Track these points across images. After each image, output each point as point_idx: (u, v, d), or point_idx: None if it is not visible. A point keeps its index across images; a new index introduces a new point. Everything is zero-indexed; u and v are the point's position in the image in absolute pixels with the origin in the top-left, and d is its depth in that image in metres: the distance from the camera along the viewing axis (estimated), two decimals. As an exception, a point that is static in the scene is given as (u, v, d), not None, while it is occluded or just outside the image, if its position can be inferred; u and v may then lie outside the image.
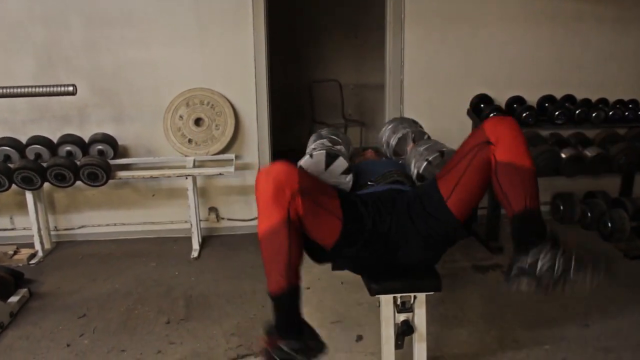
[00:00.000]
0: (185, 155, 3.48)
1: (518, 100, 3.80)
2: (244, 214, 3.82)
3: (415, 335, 2.10)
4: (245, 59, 3.54)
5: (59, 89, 2.53)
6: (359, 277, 3.12)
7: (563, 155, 3.55)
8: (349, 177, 2.06)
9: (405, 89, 3.74)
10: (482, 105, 3.75)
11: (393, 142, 2.48)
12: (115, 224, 3.70)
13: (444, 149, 2.14)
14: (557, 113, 3.67)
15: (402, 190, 2.07)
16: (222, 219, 3.81)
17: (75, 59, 3.40)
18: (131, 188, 3.66)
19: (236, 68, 3.55)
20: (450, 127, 3.74)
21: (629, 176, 4.01)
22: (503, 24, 3.74)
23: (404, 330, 2.07)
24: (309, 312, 2.79)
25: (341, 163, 2.03)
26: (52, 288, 3.01)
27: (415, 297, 2.08)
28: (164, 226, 3.74)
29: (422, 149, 2.21)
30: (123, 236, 3.70)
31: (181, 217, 3.73)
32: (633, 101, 3.92)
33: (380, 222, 1.91)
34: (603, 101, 3.89)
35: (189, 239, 3.64)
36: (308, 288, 2.99)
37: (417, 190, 2.04)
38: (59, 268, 3.27)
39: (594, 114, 3.72)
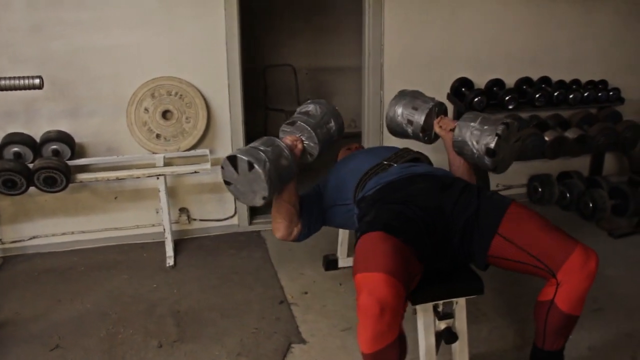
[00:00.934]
0: (154, 153, 3.12)
1: (497, 83, 3.71)
2: (218, 213, 3.51)
3: (458, 342, 1.93)
4: (216, 43, 3.20)
5: (21, 82, 2.10)
6: (357, 276, 2.92)
7: (546, 138, 3.51)
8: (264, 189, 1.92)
9: (385, 72, 3.55)
10: (463, 89, 3.64)
11: (419, 117, 2.35)
12: (72, 233, 3.27)
13: (507, 121, 2.14)
14: (537, 95, 3.63)
15: (435, 174, 2.04)
16: (194, 220, 3.47)
17: (19, 46, 2.92)
18: (90, 191, 3.25)
19: (206, 54, 3.21)
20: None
21: (601, 155, 4.05)
22: (482, 5, 3.63)
23: (448, 339, 1.89)
24: (314, 320, 2.58)
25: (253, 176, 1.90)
26: (10, 314, 2.59)
27: (456, 302, 1.91)
28: (129, 232, 3.36)
29: (475, 124, 2.17)
30: (83, 245, 3.29)
31: (148, 221, 3.36)
32: (603, 81, 3.95)
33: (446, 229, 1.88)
34: (576, 82, 3.89)
35: (159, 244, 3.29)
36: (306, 293, 2.76)
37: (482, 201, 1.91)
38: (12, 289, 2.83)
39: (570, 96, 3.71)
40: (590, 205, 3.61)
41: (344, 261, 3.00)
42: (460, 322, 1.93)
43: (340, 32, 6.27)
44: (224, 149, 3.38)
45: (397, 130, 2.47)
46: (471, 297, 1.91)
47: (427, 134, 2.40)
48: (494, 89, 3.69)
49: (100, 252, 3.24)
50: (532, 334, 2.35)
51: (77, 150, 3.04)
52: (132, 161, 3.12)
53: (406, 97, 2.44)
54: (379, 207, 1.90)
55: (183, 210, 3.42)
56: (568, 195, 3.79)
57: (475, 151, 2.16)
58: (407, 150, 2.30)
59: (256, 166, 1.87)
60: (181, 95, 3.12)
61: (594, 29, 3.94)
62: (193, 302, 2.66)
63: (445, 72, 3.64)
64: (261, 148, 1.96)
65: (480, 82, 3.71)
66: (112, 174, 2.93)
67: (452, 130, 2.27)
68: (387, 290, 1.52)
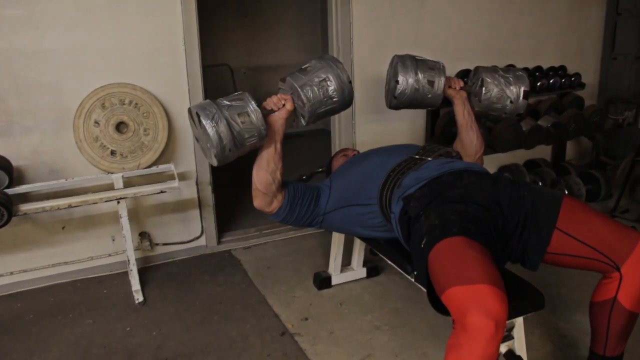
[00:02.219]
0: (110, 172, 2.67)
1: (467, 73, 3.57)
2: (183, 234, 3.11)
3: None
4: (173, 42, 2.80)
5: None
6: (356, 293, 2.66)
7: (523, 128, 3.43)
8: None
9: (356, 67, 3.30)
10: (434, 82, 3.47)
11: (440, 76, 2.27)
12: (11, 273, 2.75)
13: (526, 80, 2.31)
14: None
15: (475, 169, 1.92)
16: (157, 244, 3.05)
17: None
18: (31, 222, 2.74)
19: (162, 55, 2.80)
20: None
21: (563, 142, 4.05)
22: (448, -7, 3.48)
23: (512, 364, 1.68)
24: (327, 352, 2.23)
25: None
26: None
27: (515, 322, 1.71)
28: (81, 265, 2.88)
29: (498, 73, 2.32)
30: (26, 287, 2.77)
31: (103, 250, 2.91)
32: (562, 67, 3.94)
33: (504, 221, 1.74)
34: (539, 69, 3.85)
35: (119, 276, 2.86)
36: (306, 319, 2.46)
37: (535, 194, 1.77)
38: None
39: (538, 83, 3.65)
40: (566, 192, 3.57)
41: (338, 277, 2.73)
42: (520, 343, 1.73)
43: (279, 29, 5.99)
44: (188, 163, 2.99)
45: (414, 98, 2.28)
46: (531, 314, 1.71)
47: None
48: (464, 79, 3.54)
49: (49, 292, 2.75)
50: (559, 337, 2.21)
51: (14, 175, 2.53)
52: (83, 184, 2.66)
53: (408, 60, 2.27)
54: (440, 207, 1.68)
55: (143, 234, 2.99)
56: (540, 183, 3.74)
57: (510, 98, 2.27)
58: (433, 144, 2.11)
59: (202, 119, 1.77)
60: (136, 103, 2.70)
61: (550, 16, 3.91)
62: (179, 346, 2.27)
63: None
64: (223, 102, 1.84)
65: (450, 72, 3.54)
66: (64, 202, 2.46)
67: (463, 88, 2.36)
68: (499, 304, 1.32)
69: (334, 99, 1.99)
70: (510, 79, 2.31)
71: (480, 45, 3.67)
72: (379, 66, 3.33)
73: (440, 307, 1.54)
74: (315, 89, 1.94)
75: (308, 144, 5.78)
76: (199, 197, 3.08)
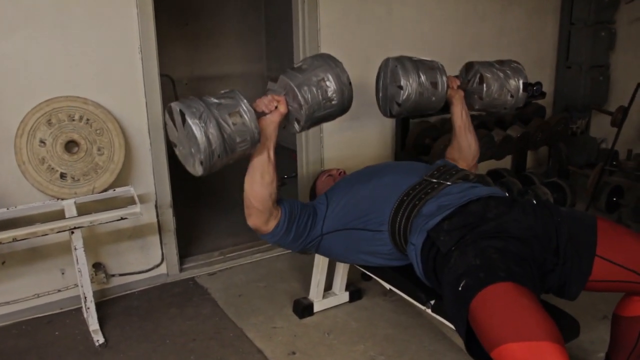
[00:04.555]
0: (60, 198, 2.34)
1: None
2: (141, 263, 2.80)
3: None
4: (128, 51, 2.52)
5: None
6: (342, 321, 2.47)
7: (495, 139, 3.37)
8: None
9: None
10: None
11: (441, 76, 2.11)
12: (-59, 319, 2.36)
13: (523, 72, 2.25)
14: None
15: (499, 195, 1.79)
16: (113, 276, 2.73)
17: None
18: (-36, 259, 2.36)
19: (116, 65, 2.50)
20: (370, 113, 3.30)
21: (524, 152, 4.04)
22: (416, 1, 3.39)
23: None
24: None
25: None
26: None
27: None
28: (26, 304, 2.52)
29: (495, 66, 2.24)
30: (-41, 334, 2.39)
31: (51, 286, 2.57)
32: (523, 76, 3.94)
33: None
34: (501, 78, 3.83)
35: (71, 314, 2.54)
36: (294, 353, 2.24)
37: (569, 224, 1.64)
38: None
39: (503, 93, 3.61)
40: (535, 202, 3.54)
41: (320, 304, 2.53)
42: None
43: (221, 38, 5.75)
44: (147, 184, 2.70)
45: (419, 103, 2.10)
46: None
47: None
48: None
49: (-11, 340, 2.38)
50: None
51: (-57, 206, 2.16)
52: (29, 212, 2.32)
53: (407, 62, 2.10)
54: (476, 243, 1.52)
55: (98, 265, 2.66)
56: (507, 194, 3.70)
57: (510, 91, 2.17)
58: (447, 164, 1.95)
59: (187, 118, 1.51)
60: (88, 119, 2.39)
61: (510, 24, 3.91)
62: (154, 395, 2.00)
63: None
64: (211, 100, 1.59)
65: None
66: (7, 235, 2.11)
67: (460, 86, 2.22)
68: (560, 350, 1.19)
69: (333, 102, 1.79)
70: (508, 72, 2.21)
71: (447, 53, 3.56)
72: (348, 72, 3.19)
73: (479, 355, 1.37)
74: (314, 89, 1.74)
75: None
76: (158, 221, 2.78)
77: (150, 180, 2.70)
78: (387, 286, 2.10)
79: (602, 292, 1.71)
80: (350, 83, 1.82)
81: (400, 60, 2.10)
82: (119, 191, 2.47)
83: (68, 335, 2.39)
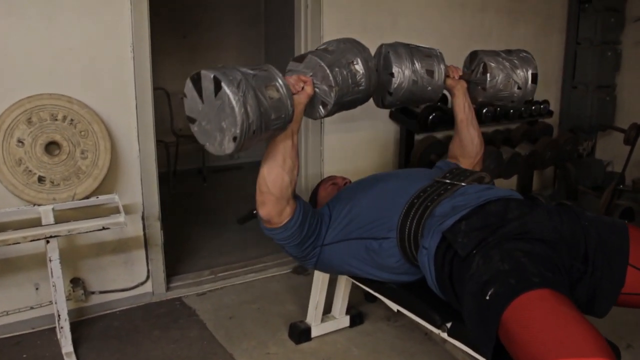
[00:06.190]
0: (36, 204, 2.13)
1: (442, 97, 3.34)
2: (124, 280, 2.57)
3: None
4: (119, 48, 2.34)
5: None
6: (343, 348, 2.25)
7: (504, 156, 3.22)
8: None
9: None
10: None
11: (439, 64, 1.96)
12: None
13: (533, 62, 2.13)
14: (484, 110, 3.32)
15: (517, 197, 1.62)
16: (92, 293, 2.49)
17: None
18: None
19: (106, 63, 2.32)
20: (375, 127, 3.22)
21: (531, 171, 3.90)
22: (421, 12, 3.28)
23: None
24: None
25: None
26: None
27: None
28: (-6, 323, 2.28)
29: (501, 56, 2.09)
30: None
31: (23, 302, 2.33)
32: (529, 95, 3.82)
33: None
34: (508, 96, 3.70)
35: (44, 334, 2.32)
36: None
37: (598, 229, 1.47)
38: None
39: (511, 110, 3.49)
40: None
41: (319, 328, 2.32)
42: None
43: (220, 52, 5.62)
44: (134, 194, 2.49)
45: (413, 92, 1.93)
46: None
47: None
48: (439, 103, 3.31)
49: (-51, 362, 2.13)
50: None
51: None
52: (0, 218, 2.10)
53: (401, 48, 1.93)
54: (501, 245, 1.35)
55: (76, 281, 2.43)
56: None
57: (517, 83, 2.04)
58: (461, 168, 1.78)
59: (224, 85, 1.32)
60: (72, 119, 2.19)
61: (516, 42, 3.80)
62: None
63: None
64: (242, 69, 1.40)
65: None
66: (-26, 243, 1.90)
67: (462, 77, 2.08)
68: None
69: (360, 87, 1.68)
70: (516, 61, 2.07)
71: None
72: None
73: None
74: (344, 71, 1.62)
75: (249, 177, 5.36)
76: (145, 234, 2.57)
77: (138, 189, 2.50)
78: (395, 307, 1.90)
79: (634, 308, 1.53)
80: (377, 70, 1.74)
81: (394, 46, 1.93)
82: (103, 199, 2.26)
83: (37, 358, 2.15)
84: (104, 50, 2.30)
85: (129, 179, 2.47)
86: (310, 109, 1.69)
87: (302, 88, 1.60)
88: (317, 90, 1.63)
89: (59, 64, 2.22)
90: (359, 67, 1.66)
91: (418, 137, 3.18)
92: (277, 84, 1.45)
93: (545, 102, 3.71)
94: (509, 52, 2.13)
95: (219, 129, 1.39)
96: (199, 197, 4.53)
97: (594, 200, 3.53)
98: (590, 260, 1.43)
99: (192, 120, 1.46)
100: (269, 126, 1.43)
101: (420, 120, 3.01)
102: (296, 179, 1.65)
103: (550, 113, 3.76)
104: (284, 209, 1.64)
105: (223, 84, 1.34)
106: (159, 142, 4.72)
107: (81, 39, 2.25)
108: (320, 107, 1.66)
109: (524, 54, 2.12)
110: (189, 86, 1.44)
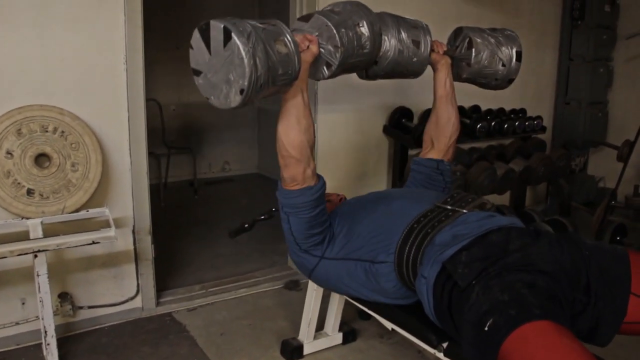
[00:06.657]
0: (25, 217, 2.09)
1: (435, 112, 3.35)
2: (114, 295, 2.52)
3: None
4: (112, 59, 2.31)
5: None
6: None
7: (497, 172, 3.21)
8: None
9: (319, 102, 2.94)
10: (403, 120, 3.20)
11: (426, 35, 1.93)
12: None
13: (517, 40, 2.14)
14: (478, 126, 3.32)
15: (519, 225, 1.59)
16: (81, 308, 2.44)
17: None
18: None
19: (98, 74, 2.29)
20: (368, 142, 3.21)
21: (524, 187, 3.90)
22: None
23: None
24: None
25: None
26: None
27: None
28: (-22, 338, 2.22)
29: (487, 32, 2.09)
30: None
31: (8, 317, 2.28)
32: (522, 110, 3.83)
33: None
34: (502, 111, 3.71)
35: (29, 350, 2.26)
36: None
37: (598, 258, 1.46)
38: None
39: (505, 126, 3.49)
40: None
41: (311, 346, 2.28)
42: None
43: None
44: (124, 207, 2.45)
45: (398, 62, 1.89)
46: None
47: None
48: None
49: None
50: None
51: None
52: (-15, 233, 2.06)
53: (387, 17, 1.89)
54: (501, 276, 1.32)
55: (64, 296, 2.38)
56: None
57: (502, 60, 2.03)
58: (462, 192, 1.75)
59: (234, 36, 1.30)
60: (63, 131, 2.16)
61: (510, 57, 3.82)
62: None
63: (381, 98, 3.19)
64: (252, 22, 1.38)
65: (416, 109, 3.31)
66: (-41, 257, 1.85)
67: (447, 52, 2.04)
68: None
69: (364, 50, 1.68)
70: (501, 39, 2.07)
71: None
72: (342, 104, 3.07)
73: None
74: (350, 32, 1.62)
75: (241, 189, 5.34)
76: (135, 248, 2.52)
77: (129, 202, 2.46)
78: (389, 326, 1.87)
79: (636, 336, 1.51)
80: (381, 34, 1.73)
81: (381, 15, 1.89)
82: (93, 212, 2.23)
83: (24, 375, 2.10)
84: (96, 61, 2.28)
85: (119, 192, 2.43)
86: (313, 70, 1.69)
87: (308, 47, 1.60)
88: (322, 50, 1.63)
89: (51, 75, 2.19)
90: (364, 29, 1.66)
91: (412, 152, 3.17)
92: (286, 39, 1.45)
93: (539, 117, 3.72)
94: (493, 29, 2.13)
95: (226, 80, 1.37)
96: (190, 209, 4.49)
97: (587, 217, 3.53)
98: (592, 291, 1.41)
99: (197, 73, 1.45)
100: (275, 81, 1.42)
101: (415, 135, 3.00)
102: (314, 139, 1.67)
103: (543, 129, 3.76)
104: (305, 168, 1.66)
105: (233, 35, 1.32)
106: (150, 154, 4.68)
107: (73, 50, 2.22)
108: (324, 67, 1.67)
109: (509, 32, 2.12)
110: (196, 37, 1.42)
